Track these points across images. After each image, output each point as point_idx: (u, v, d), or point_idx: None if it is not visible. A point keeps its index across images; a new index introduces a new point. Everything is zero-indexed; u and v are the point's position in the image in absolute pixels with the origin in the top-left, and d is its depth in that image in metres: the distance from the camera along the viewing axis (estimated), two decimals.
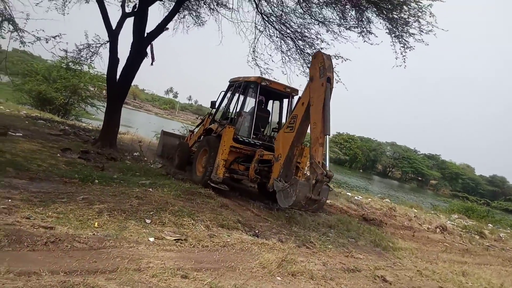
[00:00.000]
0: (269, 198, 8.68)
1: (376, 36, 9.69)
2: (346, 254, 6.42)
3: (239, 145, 8.56)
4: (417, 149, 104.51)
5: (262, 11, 11.44)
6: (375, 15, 9.20)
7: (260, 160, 8.33)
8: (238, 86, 9.39)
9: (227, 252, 4.88)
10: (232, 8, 11.98)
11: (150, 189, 6.84)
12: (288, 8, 10.95)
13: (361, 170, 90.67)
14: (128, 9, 11.85)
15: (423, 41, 8.96)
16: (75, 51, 11.91)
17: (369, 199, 15.41)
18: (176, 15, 12.11)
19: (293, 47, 11.36)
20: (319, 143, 6.24)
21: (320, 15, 10.42)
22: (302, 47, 11.15)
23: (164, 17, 11.07)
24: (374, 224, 10.26)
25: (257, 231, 6.25)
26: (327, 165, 6.14)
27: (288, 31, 11.28)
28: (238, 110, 9.05)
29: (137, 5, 11.21)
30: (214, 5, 12.76)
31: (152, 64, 11.86)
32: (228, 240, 5.30)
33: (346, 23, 9.97)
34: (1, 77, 24.03)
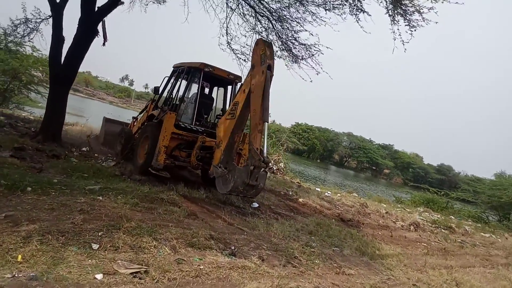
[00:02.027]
0: (212, 185, 8.28)
1: (369, 15, 8.70)
2: (336, 270, 5.52)
3: (181, 131, 8.41)
4: (372, 139, 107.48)
5: None
6: None
7: (202, 146, 8.30)
8: (182, 71, 9.18)
9: (201, 286, 3.77)
10: None
11: (100, 198, 5.56)
12: None
13: (318, 160, 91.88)
14: None
15: (428, 20, 8.07)
16: (10, 27, 10.07)
17: (339, 195, 14.86)
18: None
19: (269, 28, 10.24)
20: (258, 129, 6.29)
21: None
22: (279, 27, 10.06)
23: None
24: (352, 225, 9.56)
25: (233, 248, 5.16)
26: (265, 151, 6.14)
27: (264, 8, 10.11)
28: (180, 96, 8.93)
29: None
30: None
31: (104, 44, 10.33)
32: (201, 266, 4.18)
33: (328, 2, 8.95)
34: None
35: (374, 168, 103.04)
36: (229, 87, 9.52)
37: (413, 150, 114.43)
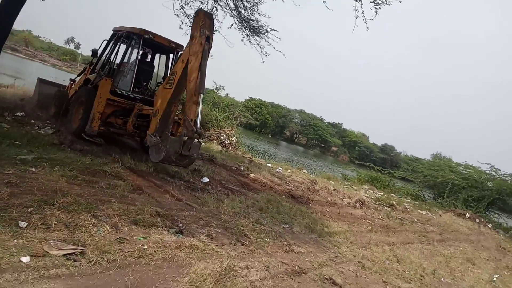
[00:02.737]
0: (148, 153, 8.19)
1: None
2: (286, 249, 5.48)
3: (117, 98, 8.12)
4: (323, 118, 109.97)
5: None
6: None
7: (139, 114, 8.12)
8: (121, 36, 8.80)
9: (144, 268, 3.50)
10: None
11: (33, 169, 5.01)
12: None
13: (270, 136, 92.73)
14: None
15: None
16: None
17: (289, 171, 14.97)
18: None
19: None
20: (193, 100, 6.28)
21: None
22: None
23: None
24: (302, 202, 9.63)
25: (181, 225, 4.90)
26: (198, 122, 6.13)
27: None
28: (118, 62, 8.59)
29: None
30: None
31: None
32: (145, 246, 3.89)
33: None
34: None
35: (323, 145, 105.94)
36: (171, 55, 9.29)
37: (361, 130, 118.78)
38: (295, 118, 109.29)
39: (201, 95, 6.24)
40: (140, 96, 8.53)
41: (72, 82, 10.46)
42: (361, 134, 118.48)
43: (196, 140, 6.33)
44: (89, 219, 3.97)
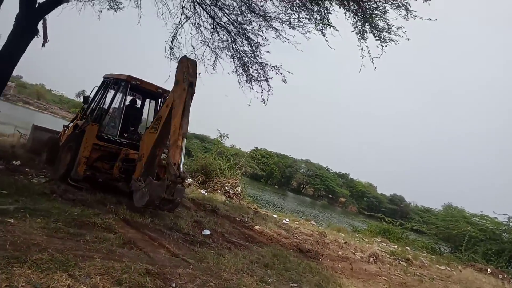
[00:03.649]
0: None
1: (337, 30, 8.33)
2: None
3: (103, 143, 8.27)
4: (330, 167, 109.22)
5: None
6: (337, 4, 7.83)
7: (126, 159, 8.18)
8: (110, 83, 9.13)
9: None
10: None
11: (12, 220, 4.51)
12: None
13: (276, 186, 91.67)
14: None
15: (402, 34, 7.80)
16: None
17: (296, 222, 14.25)
18: None
19: (227, 40, 9.64)
20: (176, 144, 6.38)
21: (260, 7, 8.87)
22: (239, 40, 9.49)
23: None
24: (311, 257, 8.89)
25: (174, 286, 4.27)
26: (182, 166, 6.22)
27: (225, 19, 9.53)
28: (105, 107, 8.88)
29: None
30: None
31: (43, 45, 9.30)
32: None
33: (294, 17, 8.54)
34: None
35: (330, 196, 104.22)
36: (160, 101, 9.40)
37: (368, 180, 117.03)
38: (301, 168, 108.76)
39: (184, 139, 6.39)
40: (127, 141, 8.62)
41: (65, 128, 10.45)
42: (368, 184, 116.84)
43: (180, 184, 6.35)
44: (64, 279, 3.39)
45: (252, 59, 9.91)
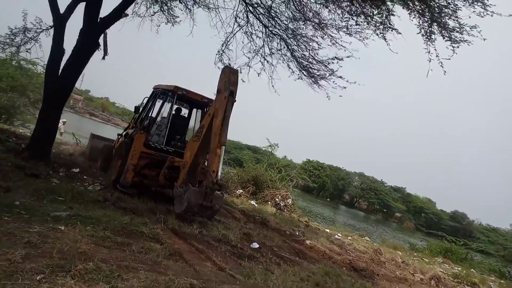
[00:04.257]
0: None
1: (399, 33, 7.77)
2: None
3: (150, 151, 8.59)
4: (384, 181, 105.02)
5: (248, 0, 9.52)
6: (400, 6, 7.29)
7: (171, 166, 8.42)
8: (158, 93, 9.49)
9: None
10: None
11: (62, 227, 4.56)
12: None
13: (328, 199, 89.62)
14: None
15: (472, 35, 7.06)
16: (7, 36, 9.51)
17: (350, 238, 13.58)
18: (146, 11, 10.36)
19: (283, 47, 9.45)
20: (215, 152, 6.50)
21: (314, 14, 8.57)
22: (294, 47, 9.24)
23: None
24: (366, 276, 8.29)
25: None
26: (219, 174, 6.29)
27: (278, 28, 9.36)
28: (153, 117, 9.29)
29: None
30: (191, 2, 10.98)
31: (104, 58, 9.74)
32: None
33: (350, 23, 8.14)
34: None
35: (385, 210, 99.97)
36: (205, 110, 9.57)
37: (426, 195, 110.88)
38: (355, 181, 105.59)
39: (223, 147, 6.49)
40: (173, 149, 8.89)
41: (119, 137, 10.90)
42: (427, 200, 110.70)
43: (219, 191, 6.43)
44: None
45: (310, 61, 9.58)
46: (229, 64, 10.36)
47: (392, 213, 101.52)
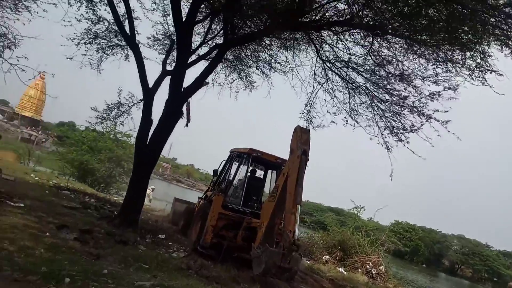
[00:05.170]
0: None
1: (501, 74, 6.90)
2: None
3: (228, 212, 8.77)
4: (490, 244, 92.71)
5: (324, 57, 9.46)
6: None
7: (248, 227, 8.50)
8: (234, 156, 9.96)
9: None
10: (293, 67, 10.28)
11: None
12: (359, 52, 8.92)
13: (424, 265, 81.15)
14: (170, 67, 10.51)
15: None
16: (104, 110, 10.53)
17: None
18: (225, 78, 11.13)
19: (366, 101, 9.05)
20: (291, 212, 6.41)
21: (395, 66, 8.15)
22: (378, 99, 8.78)
23: (203, 69, 9.49)
24: None
25: None
26: (297, 234, 6.21)
27: (360, 80, 9.09)
28: (230, 179, 9.66)
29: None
30: (267, 68, 11.37)
31: (187, 125, 10.18)
32: None
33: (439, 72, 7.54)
34: (49, 145, 24.14)
35: (495, 279, 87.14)
36: (280, 170, 9.51)
37: None
38: (454, 245, 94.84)
39: (299, 207, 6.41)
40: (250, 210, 9.08)
41: (199, 200, 11.37)
42: None
43: (296, 252, 6.29)
44: None
45: (397, 108, 8.98)
46: (310, 124, 10.25)
47: (505, 282, 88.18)
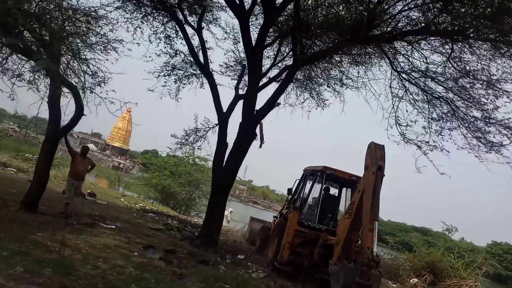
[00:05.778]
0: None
1: None
2: None
3: (304, 229, 8.86)
4: None
5: (399, 68, 9.05)
6: None
7: (324, 244, 8.49)
8: (308, 174, 10.07)
9: None
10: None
11: None
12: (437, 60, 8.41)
13: None
14: (242, 91, 10.87)
15: None
16: (183, 136, 11.13)
17: None
18: (296, 98, 11.38)
19: (449, 110, 8.42)
20: (368, 228, 6.36)
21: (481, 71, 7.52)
22: (463, 109, 8.13)
23: (274, 91, 9.63)
24: None
25: None
26: (375, 250, 6.11)
27: (440, 88, 8.50)
28: (304, 196, 9.75)
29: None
30: (339, 85, 11.23)
31: (261, 146, 10.35)
32: None
33: None
34: (135, 171, 26.09)
35: None
36: (354, 187, 9.35)
37: None
38: None
39: (376, 222, 6.31)
40: (325, 227, 9.05)
41: (275, 219, 11.57)
42: None
43: (375, 269, 6.16)
44: None
45: (487, 120, 8.18)
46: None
47: None
